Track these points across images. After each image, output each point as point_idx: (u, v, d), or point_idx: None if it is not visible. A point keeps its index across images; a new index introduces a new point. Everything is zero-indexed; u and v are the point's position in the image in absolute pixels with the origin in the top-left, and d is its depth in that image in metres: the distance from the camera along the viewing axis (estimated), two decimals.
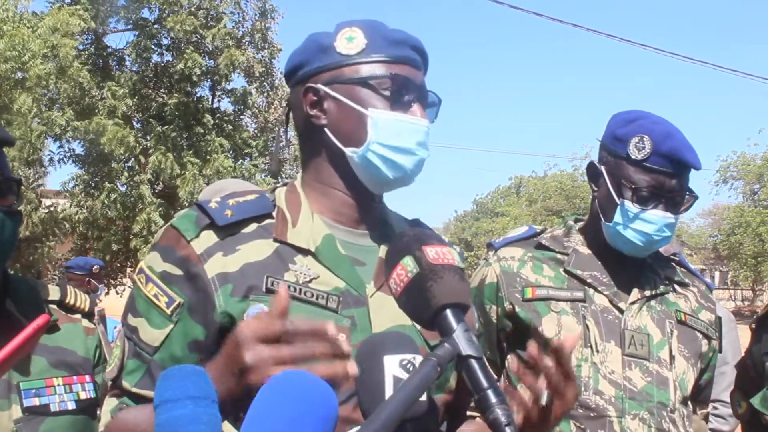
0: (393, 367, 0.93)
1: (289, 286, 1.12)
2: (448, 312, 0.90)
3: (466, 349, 0.88)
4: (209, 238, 1.17)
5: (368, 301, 1.16)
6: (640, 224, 1.76)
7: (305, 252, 1.18)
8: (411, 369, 0.93)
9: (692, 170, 1.80)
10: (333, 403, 0.86)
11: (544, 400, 1.02)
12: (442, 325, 0.91)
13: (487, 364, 0.91)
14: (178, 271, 1.15)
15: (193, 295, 1.14)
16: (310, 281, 1.15)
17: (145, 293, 1.16)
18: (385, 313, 1.15)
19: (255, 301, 1.13)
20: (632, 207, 1.76)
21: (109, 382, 1.21)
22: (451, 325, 0.90)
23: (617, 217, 1.79)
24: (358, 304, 1.15)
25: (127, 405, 1.15)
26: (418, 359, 0.94)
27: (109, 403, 1.18)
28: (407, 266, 0.94)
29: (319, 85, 1.22)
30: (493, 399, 0.85)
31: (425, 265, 0.93)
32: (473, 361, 0.88)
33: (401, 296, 0.95)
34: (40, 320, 1.05)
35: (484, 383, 0.87)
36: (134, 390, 1.15)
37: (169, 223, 1.21)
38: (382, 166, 1.20)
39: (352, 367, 0.89)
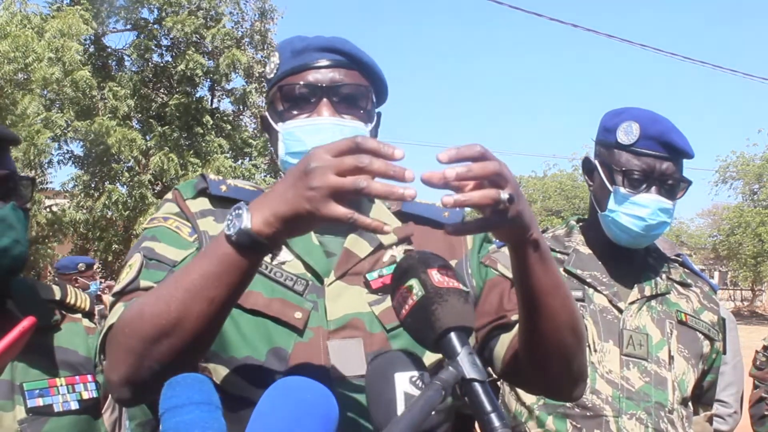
0: (404, 384, 0.94)
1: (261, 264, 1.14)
2: (453, 335, 0.91)
3: (470, 372, 0.88)
4: (204, 203, 1.26)
5: (325, 290, 1.20)
6: (633, 208, 1.78)
7: None
8: (420, 385, 0.93)
9: (686, 160, 1.82)
10: (332, 404, 0.88)
11: (505, 196, 0.95)
12: (446, 348, 0.91)
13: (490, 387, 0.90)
14: (186, 216, 1.25)
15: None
16: (281, 263, 1.21)
17: (166, 226, 1.23)
18: (342, 301, 1.19)
19: None
20: (624, 192, 1.78)
21: (112, 299, 1.16)
22: (455, 349, 0.90)
23: (611, 204, 1.81)
24: (319, 292, 1.20)
25: None
26: (426, 376, 0.95)
27: (122, 304, 1.12)
28: (412, 289, 0.94)
29: (264, 112, 1.35)
30: (496, 423, 0.86)
31: (430, 288, 0.93)
32: (477, 385, 0.88)
33: (406, 318, 0.95)
34: (25, 322, 1.05)
35: (488, 407, 0.87)
36: (153, 284, 1.13)
37: (174, 187, 1.31)
38: None
39: (409, 191, 0.88)
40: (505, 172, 0.96)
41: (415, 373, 0.94)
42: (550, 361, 1.17)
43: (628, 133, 1.79)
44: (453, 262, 1.29)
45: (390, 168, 0.88)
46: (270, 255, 0.98)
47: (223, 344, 1.14)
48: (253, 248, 0.95)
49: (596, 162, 1.89)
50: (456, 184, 0.93)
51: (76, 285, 5.38)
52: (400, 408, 0.92)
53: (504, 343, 1.26)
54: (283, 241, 0.99)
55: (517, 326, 1.23)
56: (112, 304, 1.16)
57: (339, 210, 0.89)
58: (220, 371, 1.14)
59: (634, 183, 1.78)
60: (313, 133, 1.23)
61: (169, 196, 1.30)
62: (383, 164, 0.88)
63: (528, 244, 1.04)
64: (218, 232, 1.17)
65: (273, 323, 1.15)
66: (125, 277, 1.16)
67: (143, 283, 1.14)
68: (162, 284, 1.05)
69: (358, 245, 1.25)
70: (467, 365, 0.89)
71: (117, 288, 1.16)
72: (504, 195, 0.95)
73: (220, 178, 1.31)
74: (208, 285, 0.96)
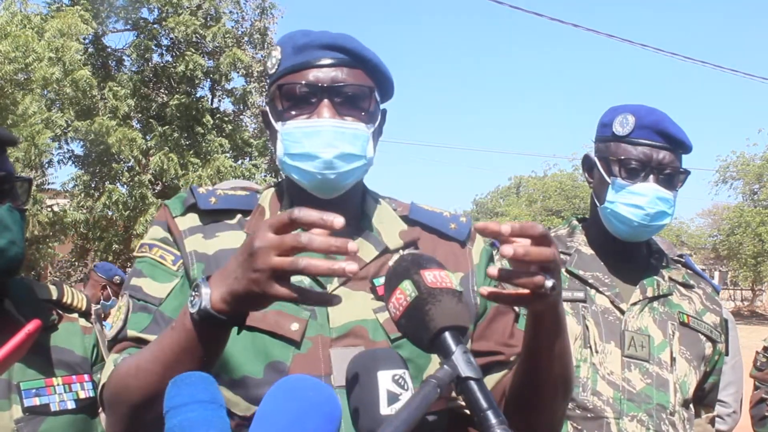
0: (386, 382, 0.94)
1: None
2: (447, 335, 0.91)
3: (465, 370, 0.89)
4: (193, 219, 1.26)
5: None
6: (631, 197, 1.78)
7: None
8: (402, 383, 0.94)
9: (684, 154, 1.83)
10: (335, 403, 0.88)
11: (549, 284, 0.98)
12: (441, 348, 0.92)
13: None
14: (172, 239, 1.25)
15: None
16: None
17: (151, 257, 1.23)
18: (346, 307, 1.16)
19: None
20: (622, 182, 1.79)
21: (107, 345, 1.22)
22: (450, 348, 0.91)
23: (609, 195, 1.81)
24: None
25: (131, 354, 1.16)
26: (407, 375, 0.96)
27: (113, 358, 1.17)
28: (406, 290, 0.95)
29: (265, 107, 1.32)
30: (492, 420, 0.86)
31: (424, 289, 0.93)
32: (472, 383, 0.88)
33: (401, 320, 0.96)
34: (31, 326, 1.06)
35: (484, 404, 0.87)
36: (141, 335, 1.16)
37: (163, 202, 1.30)
38: (296, 175, 1.24)
39: (350, 266, 0.89)
40: (557, 260, 0.99)
41: (398, 372, 0.95)
42: (534, 410, 1.19)
43: (623, 124, 1.81)
44: (458, 276, 1.27)
45: (331, 245, 0.89)
46: (237, 327, 1.00)
47: (221, 365, 1.13)
48: (215, 324, 0.97)
49: (595, 158, 1.90)
50: (510, 259, 0.96)
51: (102, 292, 5.39)
52: (383, 406, 0.92)
53: (492, 380, 1.27)
54: (246, 314, 1.00)
55: (510, 366, 1.25)
56: (108, 350, 1.21)
57: (283, 291, 0.91)
58: (222, 392, 1.13)
59: (632, 172, 1.79)
60: (312, 135, 1.20)
61: (159, 213, 1.30)
62: (323, 242, 0.89)
63: (548, 314, 1.07)
64: (206, 250, 1.21)
65: (269, 337, 1.14)
66: (116, 322, 1.21)
67: (130, 332, 1.18)
68: (143, 355, 1.09)
69: (364, 249, 1.23)
70: (462, 364, 0.89)
71: (110, 334, 1.21)
72: (549, 283, 0.98)
73: (210, 188, 1.31)
74: (181, 358, 1.00)
